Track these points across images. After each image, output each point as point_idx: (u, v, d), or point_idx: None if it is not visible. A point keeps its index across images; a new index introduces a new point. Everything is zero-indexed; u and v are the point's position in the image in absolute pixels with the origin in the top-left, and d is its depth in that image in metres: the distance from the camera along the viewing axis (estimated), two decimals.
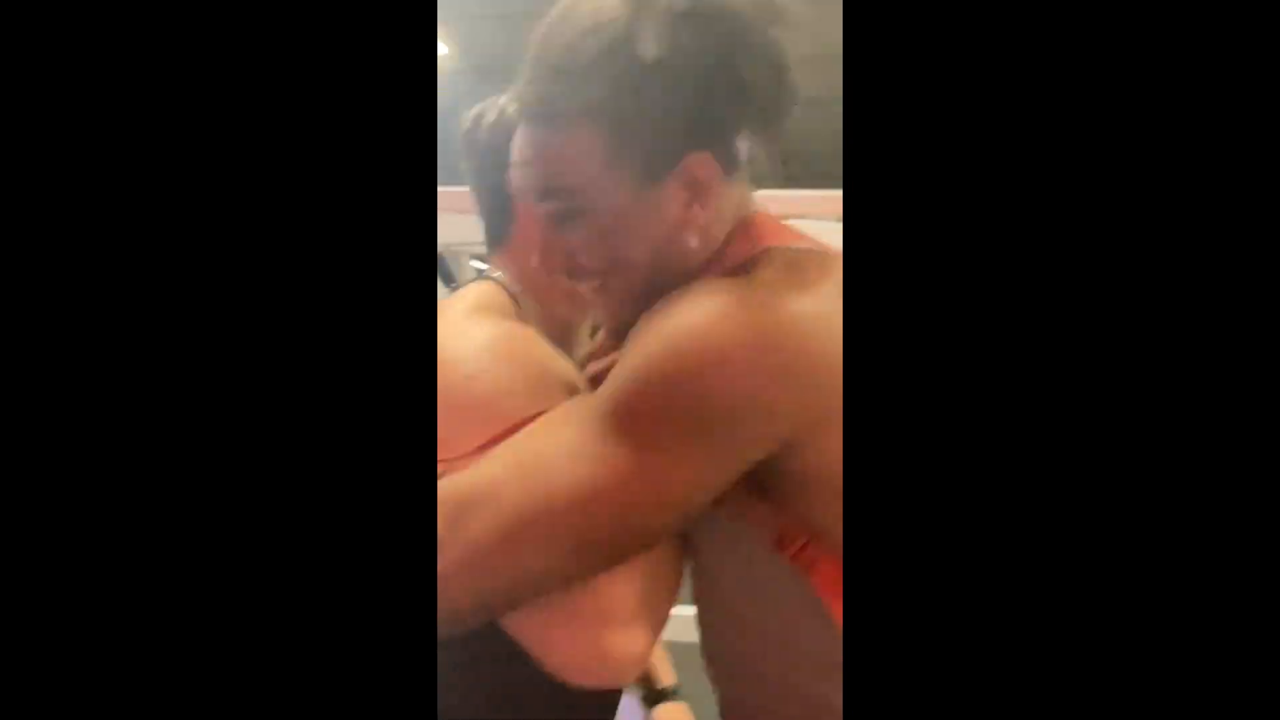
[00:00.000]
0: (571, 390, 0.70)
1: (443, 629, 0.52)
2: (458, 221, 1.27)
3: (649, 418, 0.55)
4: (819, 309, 0.57)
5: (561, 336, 0.85)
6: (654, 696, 0.96)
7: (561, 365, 0.73)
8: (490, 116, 0.83)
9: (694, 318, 0.55)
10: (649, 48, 0.58)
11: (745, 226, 0.66)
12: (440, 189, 0.86)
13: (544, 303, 0.84)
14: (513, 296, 0.84)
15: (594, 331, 0.88)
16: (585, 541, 0.56)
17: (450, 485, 0.58)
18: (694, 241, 0.63)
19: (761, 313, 0.55)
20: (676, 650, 0.96)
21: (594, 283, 0.67)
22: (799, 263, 0.61)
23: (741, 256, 0.63)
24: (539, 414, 0.62)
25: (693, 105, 0.60)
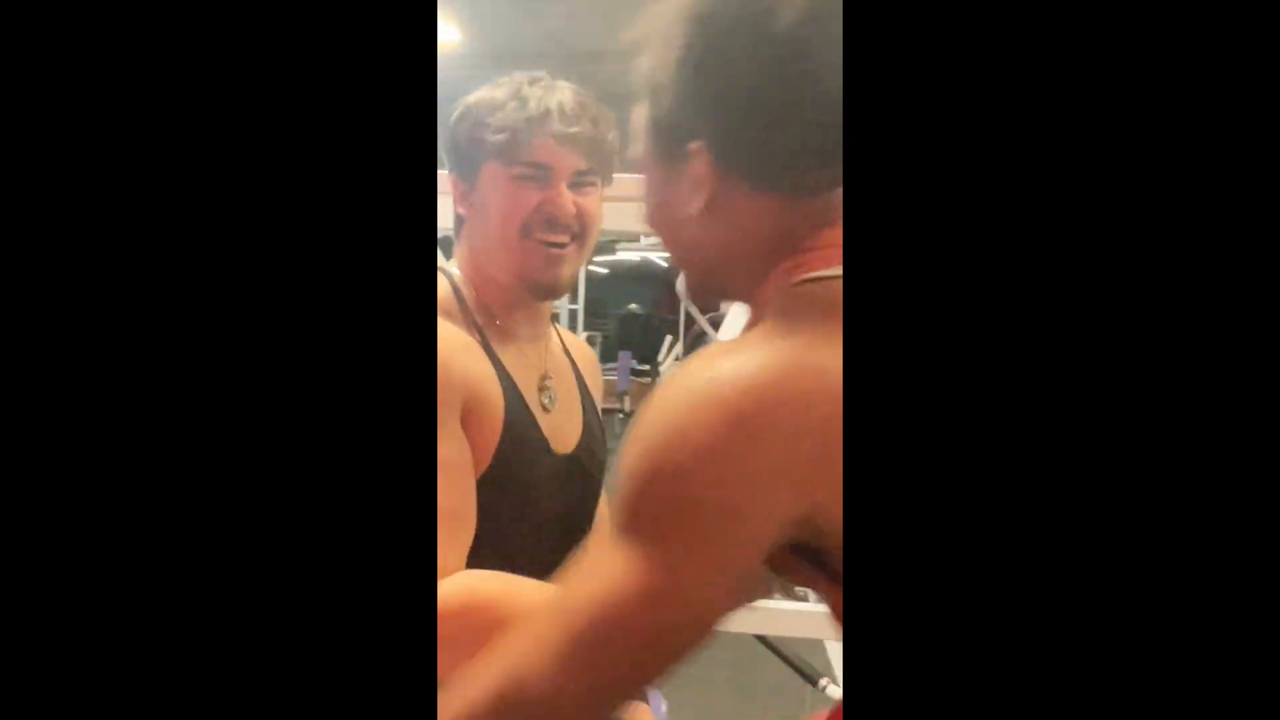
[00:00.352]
0: (474, 392, 0.77)
1: None
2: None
3: (648, 517, 0.55)
4: (797, 362, 0.54)
5: (499, 337, 0.90)
6: None
7: (470, 369, 0.80)
8: (456, 112, 0.88)
9: (671, 407, 0.55)
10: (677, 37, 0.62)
11: (797, 252, 0.62)
12: (443, 172, 0.89)
13: (485, 297, 0.88)
14: (456, 290, 0.88)
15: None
16: (631, 652, 0.56)
17: (494, 655, 0.58)
18: (692, 231, 0.65)
19: (737, 389, 0.53)
20: None
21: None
22: (806, 302, 0.59)
23: (773, 291, 0.61)
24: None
25: (710, 96, 0.61)
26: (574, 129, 0.87)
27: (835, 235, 0.61)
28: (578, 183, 0.88)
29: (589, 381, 1.02)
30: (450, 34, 5.64)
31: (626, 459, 0.57)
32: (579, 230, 0.89)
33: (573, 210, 0.87)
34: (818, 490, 0.53)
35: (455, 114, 0.90)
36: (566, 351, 1.02)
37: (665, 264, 12.37)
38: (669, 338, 6.02)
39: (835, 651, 1.73)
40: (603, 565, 0.56)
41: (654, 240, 1.99)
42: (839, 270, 0.59)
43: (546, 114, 0.86)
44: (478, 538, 0.83)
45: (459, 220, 0.92)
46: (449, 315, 0.87)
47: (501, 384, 0.87)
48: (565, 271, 0.89)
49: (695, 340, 2.20)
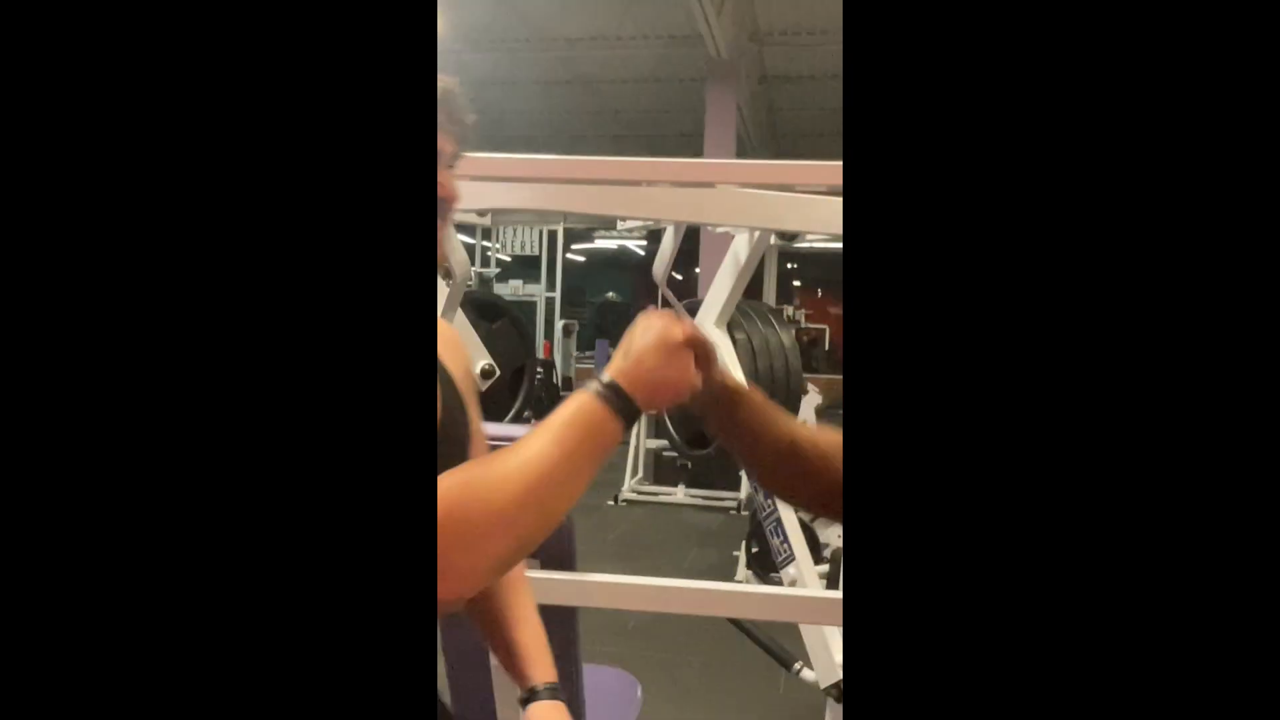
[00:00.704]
0: None
1: None
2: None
3: None
4: None
5: None
6: (528, 696, 0.96)
7: None
8: None
9: None
10: None
11: None
12: None
13: None
14: None
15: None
16: None
17: None
18: None
19: None
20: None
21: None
22: None
23: None
24: None
25: None
26: (468, 116, 0.87)
27: None
28: (450, 165, 0.89)
29: (446, 361, 1.00)
30: None
31: None
32: (445, 212, 0.90)
33: (455, 193, 0.88)
34: None
35: None
36: None
37: (642, 252, 12.31)
38: None
39: (810, 636, 1.74)
40: None
41: (630, 227, 1.98)
42: None
43: (445, 97, 0.86)
44: None
45: None
46: None
47: None
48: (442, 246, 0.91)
49: None
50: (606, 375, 0.65)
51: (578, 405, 0.64)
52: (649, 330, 0.68)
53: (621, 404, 0.64)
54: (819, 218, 1.33)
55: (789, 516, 1.86)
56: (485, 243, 10.09)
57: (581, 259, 13.12)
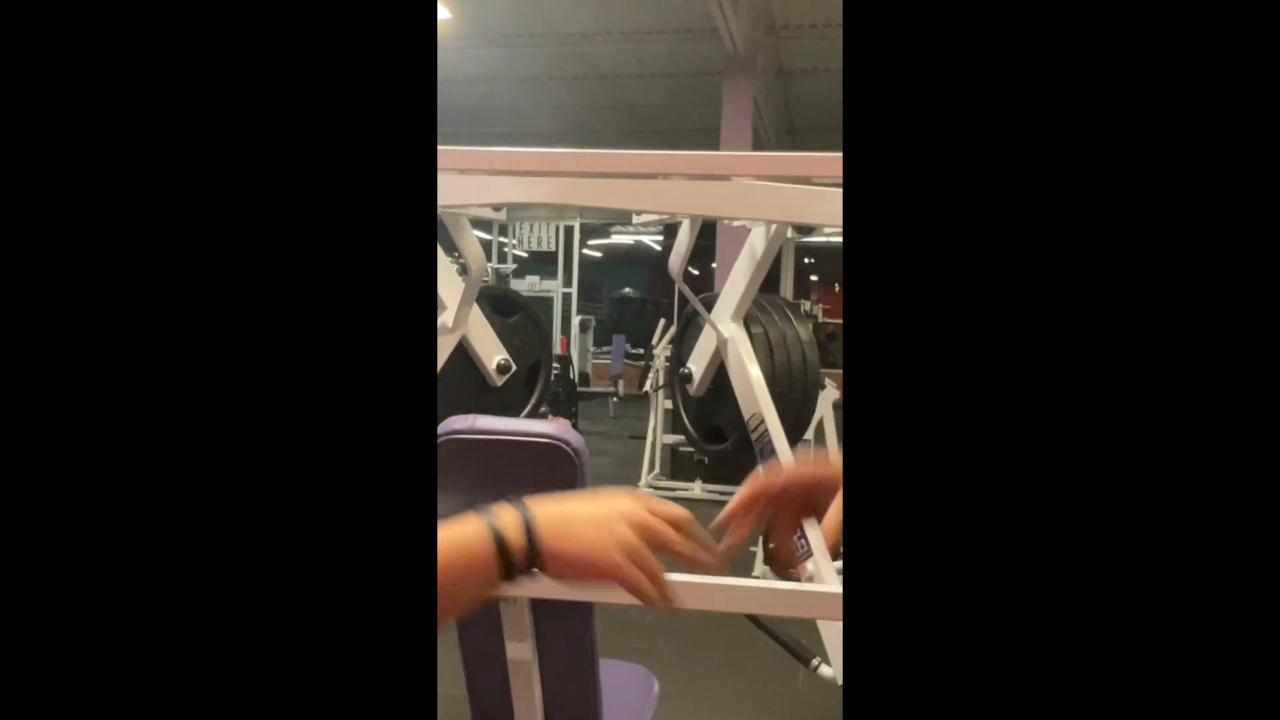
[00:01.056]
0: None
1: None
2: (457, 181, 1.26)
3: None
4: None
5: None
6: None
7: None
8: None
9: None
10: None
11: None
12: (440, 148, 0.87)
13: None
14: None
15: None
16: None
17: None
18: None
19: None
20: None
21: None
22: None
23: None
24: None
25: None
26: None
27: None
28: None
29: None
30: (440, 13, 5.59)
31: None
32: None
33: None
34: None
35: None
36: None
37: (658, 247, 12.33)
38: (663, 321, 6.01)
39: (828, 631, 1.73)
40: None
41: (645, 221, 1.97)
42: None
43: None
44: None
45: None
46: None
47: None
48: None
49: (688, 322, 2.19)
50: (525, 508, 0.57)
51: (472, 538, 0.55)
52: (599, 495, 0.59)
53: (514, 556, 0.55)
54: (835, 211, 1.32)
55: None
56: (501, 238, 10.10)
57: (598, 254, 13.13)
